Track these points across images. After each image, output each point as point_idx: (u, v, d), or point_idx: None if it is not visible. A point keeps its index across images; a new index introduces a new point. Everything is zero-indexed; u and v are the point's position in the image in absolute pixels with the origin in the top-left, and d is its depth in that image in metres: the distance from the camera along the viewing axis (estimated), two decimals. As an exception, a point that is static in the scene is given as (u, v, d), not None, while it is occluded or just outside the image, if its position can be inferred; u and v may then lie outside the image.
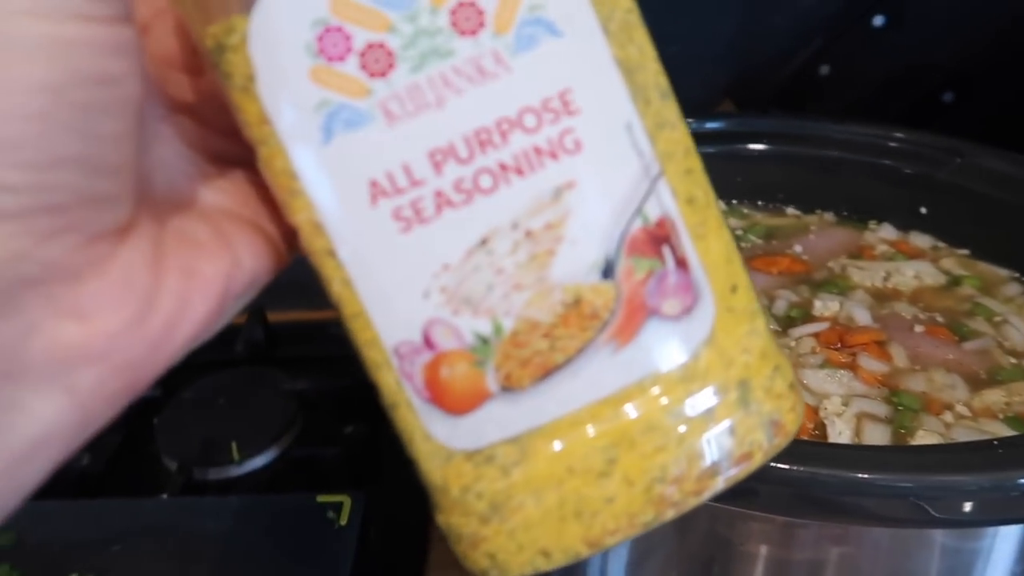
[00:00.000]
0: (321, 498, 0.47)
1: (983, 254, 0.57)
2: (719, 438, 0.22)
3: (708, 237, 0.22)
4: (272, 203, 0.23)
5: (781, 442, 0.23)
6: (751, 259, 0.58)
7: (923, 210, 0.59)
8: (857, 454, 0.34)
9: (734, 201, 0.64)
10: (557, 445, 0.22)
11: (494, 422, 0.22)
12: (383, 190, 0.21)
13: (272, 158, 0.22)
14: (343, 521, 0.45)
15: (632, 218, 0.21)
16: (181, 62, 0.25)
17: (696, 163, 0.23)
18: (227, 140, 0.24)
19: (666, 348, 0.22)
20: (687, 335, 0.22)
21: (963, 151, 0.57)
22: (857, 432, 0.43)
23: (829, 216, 0.62)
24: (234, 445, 0.53)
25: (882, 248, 0.59)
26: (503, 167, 0.21)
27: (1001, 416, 0.44)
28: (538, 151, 0.21)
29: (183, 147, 0.23)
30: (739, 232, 0.61)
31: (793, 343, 0.50)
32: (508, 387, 0.22)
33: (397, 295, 0.22)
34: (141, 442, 0.58)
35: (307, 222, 0.22)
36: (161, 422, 0.59)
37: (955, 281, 0.55)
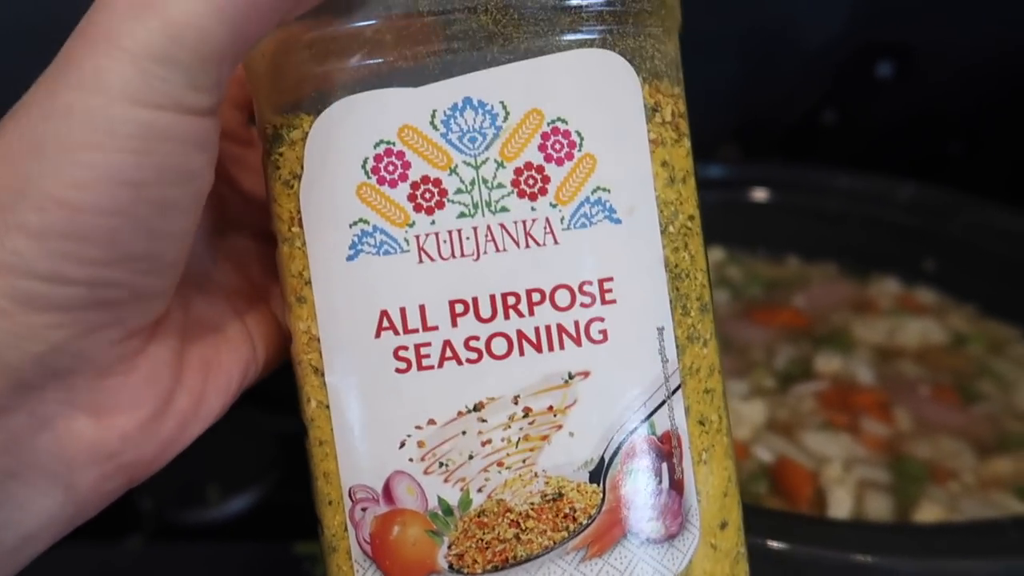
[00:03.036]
0: (298, 548, 0.44)
1: (990, 311, 0.54)
2: None
3: (711, 464, 0.21)
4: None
5: None
6: (751, 311, 0.54)
7: (928, 264, 0.57)
8: (860, 534, 0.31)
9: (734, 250, 0.61)
10: (493, 647, 0.20)
11: (433, 601, 0.20)
12: (392, 324, 0.20)
13: (291, 259, 0.21)
14: (320, 573, 0.43)
15: (638, 425, 0.20)
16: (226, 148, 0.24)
17: (718, 385, 0.22)
18: (254, 230, 0.24)
19: (637, 571, 0.20)
20: (663, 563, 0.20)
21: (970, 205, 0.55)
22: (858, 501, 0.39)
23: (831, 267, 0.59)
24: (212, 487, 0.51)
25: (886, 303, 0.56)
26: (522, 337, 0.20)
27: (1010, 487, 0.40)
28: (562, 331, 0.20)
29: (209, 232, 0.23)
30: (739, 283, 0.58)
31: (793, 401, 0.46)
32: (458, 568, 0.20)
33: (372, 435, 0.20)
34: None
35: (305, 332, 0.21)
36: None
37: (961, 340, 0.52)
